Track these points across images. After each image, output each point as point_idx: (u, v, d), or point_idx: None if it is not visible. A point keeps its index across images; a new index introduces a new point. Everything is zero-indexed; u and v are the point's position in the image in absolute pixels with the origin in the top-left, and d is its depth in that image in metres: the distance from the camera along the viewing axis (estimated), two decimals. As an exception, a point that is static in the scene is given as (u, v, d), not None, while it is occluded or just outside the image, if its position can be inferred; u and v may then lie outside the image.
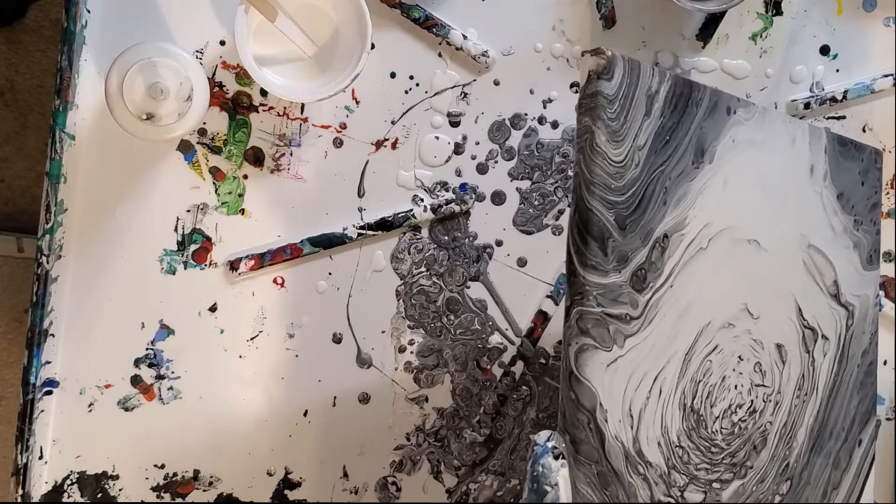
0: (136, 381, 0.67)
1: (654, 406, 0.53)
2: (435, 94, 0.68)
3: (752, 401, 0.57)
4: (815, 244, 0.60)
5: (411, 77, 0.68)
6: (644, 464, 0.53)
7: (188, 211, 0.66)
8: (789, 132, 0.58)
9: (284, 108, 0.66)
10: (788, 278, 0.58)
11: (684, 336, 0.53)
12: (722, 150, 0.54)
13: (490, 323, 0.72)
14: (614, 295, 0.51)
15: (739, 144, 0.55)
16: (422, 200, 0.69)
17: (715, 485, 0.56)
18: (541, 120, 0.70)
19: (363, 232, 0.68)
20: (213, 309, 0.67)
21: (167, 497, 0.69)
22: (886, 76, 0.74)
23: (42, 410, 0.65)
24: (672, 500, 0.54)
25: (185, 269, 0.67)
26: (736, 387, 0.56)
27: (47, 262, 0.63)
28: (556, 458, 0.50)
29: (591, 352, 0.51)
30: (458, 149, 0.69)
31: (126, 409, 0.67)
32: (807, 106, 0.73)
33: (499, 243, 0.71)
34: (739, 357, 0.56)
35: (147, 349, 0.67)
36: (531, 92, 0.70)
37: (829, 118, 0.75)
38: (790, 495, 0.59)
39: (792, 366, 0.59)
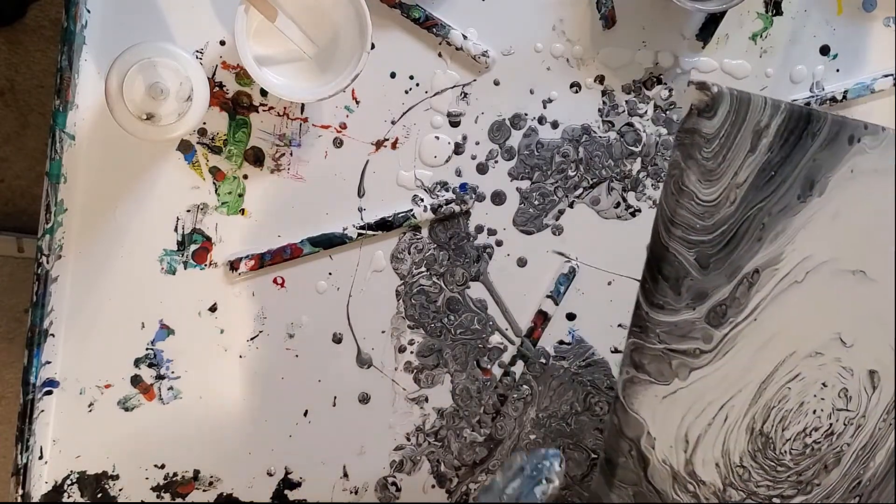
0: (136, 381, 0.67)
1: (716, 431, 0.53)
2: (435, 94, 0.68)
3: (830, 424, 0.56)
4: None
5: (411, 77, 0.68)
6: (696, 483, 0.53)
7: (188, 211, 0.66)
8: None
9: (284, 108, 0.66)
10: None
11: (762, 366, 0.53)
12: (836, 181, 0.51)
13: (490, 323, 0.72)
14: (684, 331, 0.50)
15: (859, 175, 0.52)
16: (422, 200, 0.69)
17: (775, 500, 0.56)
18: (541, 120, 0.70)
19: (363, 232, 0.68)
20: (213, 309, 0.67)
21: (167, 497, 0.69)
22: (886, 76, 0.74)
23: (42, 410, 0.65)
24: None
25: (185, 269, 0.67)
26: (815, 411, 0.56)
27: (47, 262, 0.63)
28: (559, 465, 0.50)
29: (644, 385, 0.50)
30: (458, 149, 0.69)
31: (126, 409, 0.67)
32: (807, 106, 0.73)
33: (499, 243, 0.71)
34: (823, 384, 0.55)
35: (147, 349, 0.67)
36: (531, 92, 0.70)
37: (829, 118, 0.75)
38: None
39: (883, 391, 0.58)
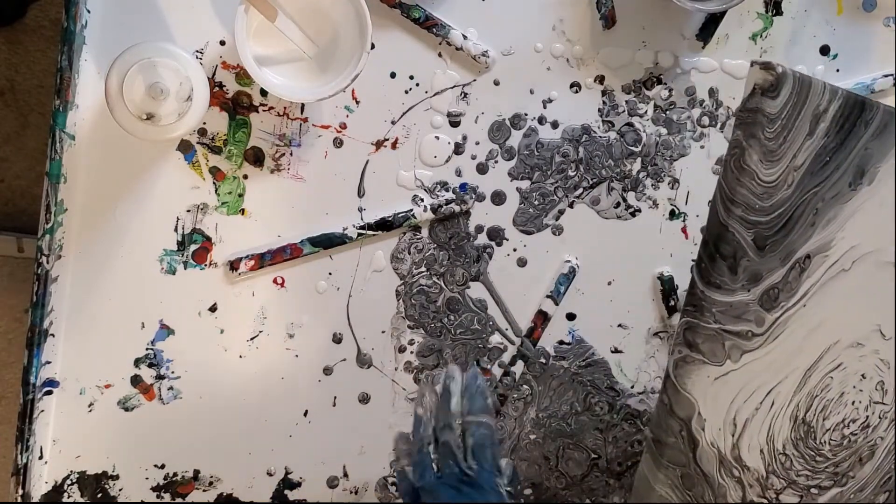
0: (136, 381, 0.67)
1: (762, 416, 0.53)
2: (435, 94, 0.68)
3: (867, 416, 0.57)
4: None
5: (411, 77, 0.68)
6: (741, 468, 0.54)
7: (188, 211, 0.66)
8: None
9: (284, 108, 0.66)
10: None
11: (808, 353, 0.53)
12: (885, 171, 0.52)
13: (490, 323, 0.72)
14: (738, 312, 0.51)
15: None
16: (422, 200, 0.69)
17: (813, 490, 0.57)
18: (541, 120, 0.70)
19: (363, 232, 0.68)
20: (213, 309, 0.67)
21: (167, 497, 0.69)
22: (886, 76, 0.74)
23: (42, 410, 0.65)
24: (766, 501, 0.55)
25: (185, 269, 0.67)
26: (853, 403, 0.56)
27: (47, 262, 0.63)
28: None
29: (697, 365, 0.51)
30: (458, 149, 0.69)
31: (126, 409, 0.67)
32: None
33: (499, 243, 0.71)
34: (863, 375, 0.56)
35: (147, 349, 0.67)
36: (531, 92, 0.70)
37: (829, 118, 0.75)
38: None
39: None
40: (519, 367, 0.73)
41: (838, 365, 0.54)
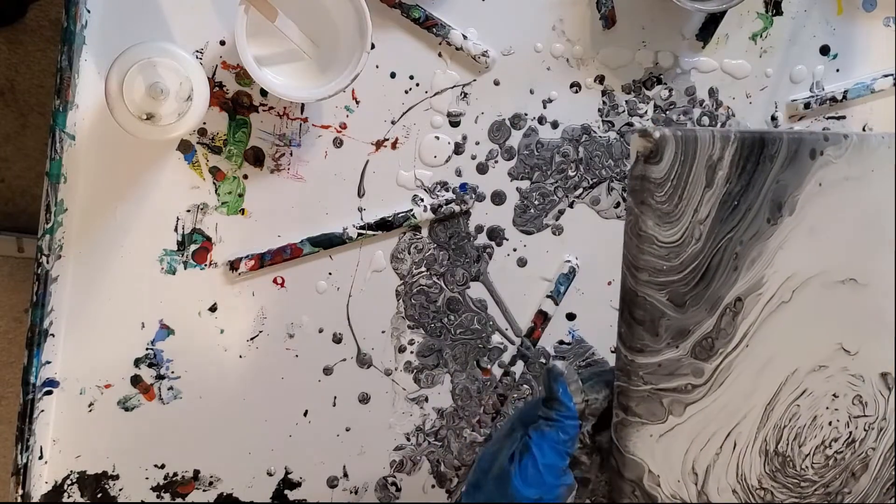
0: (136, 381, 0.67)
1: (726, 459, 0.52)
2: (435, 94, 0.68)
3: (850, 432, 0.55)
4: None
5: (411, 77, 0.68)
6: None
7: (188, 211, 0.66)
8: (893, 158, 0.54)
9: (284, 108, 0.66)
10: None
11: (764, 389, 0.52)
12: (805, 198, 0.50)
13: (490, 323, 0.72)
14: (670, 369, 0.49)
15: (829, 187, 0.51)
16: (422, 200, 0.69)
17: None
18: (541, 120, 0.70)
19: (363, 232, 0.68)
20: (213, 309, 0.67)
21: (167, 497, 0.69)
22: (886, 76, 0.74)
23: (42, 410, 0.65)
24: None
25: (185, 269, 0.67)
26: (830, 423, 0.55)
27: (47, 262, 0.63)
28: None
29: (636, 427, 0.50)
30: (458, 149, 0.69)
31: (126, 409, 0.67)
32: (807, 106, 0.73)
33: (499, 243, 0.71)
34: (834, 395, 0.54)
35: (147, 349, 0.67)
36: (531, 92, 0.70)
37: (828, 118, 0.75)
38: None
39: None
40: (519, 367, 0.73)
41: (803, 392, 0.53)
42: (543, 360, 0.73)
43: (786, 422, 0.53)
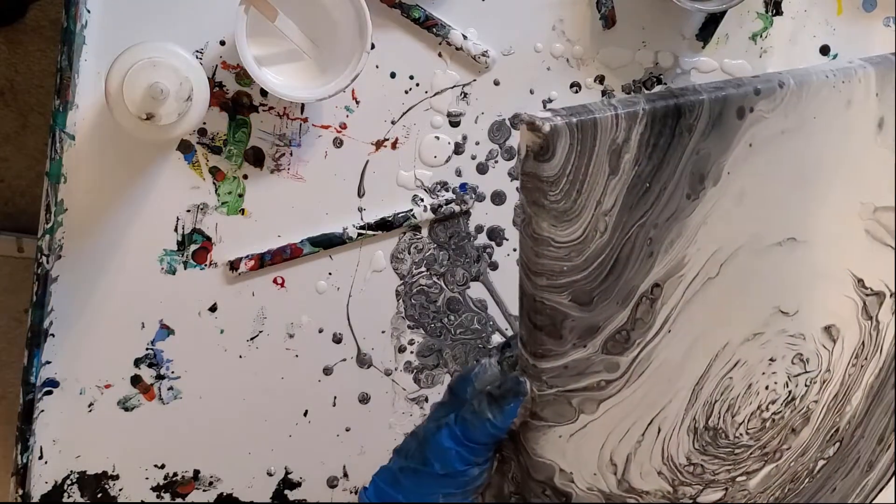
0: (136, 381, 0.67)
1: (649, 445, 0.48)
2: (435, 94, 0.68)
3: (789, 391, 0.52)
4: (884, 204, 0.51)
5: (411, 77, 0.68)
6: (637, 494, 0.50)
7: (188, 211, 0.66)
8: (842, 97, 0.48)
9: (284, 108, 0.66)
10: (840, 258, 0.51)
11: (691, 371, 0.48)
12: (733, 163, 0.45)
13: (490, 323, 0.72)
14: (578, 370, 0.45)
15: (761, 145, 0.46)
16: (422, 200, 0.69)
17: (740, 478, 0.52)
18: (541, 120, 0.70)
19: (363, 232, 0.68)
20: (213, 309, 0.67)
21: (167, 497, 0.69)
22: (886, 76, 0.74)
23: (42, 410, 0.65)
24: None
25: (185, 269, 0.67)
26: (767, 387, 0.51)
27: (47, 262, 0.63)
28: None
29: (543, 430, 0.45)
30: (458, 149, 0.69)
31: (126, 409, 0.67)
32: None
33: (499, 243, 0.71)
34: (771, 359, 0.51)
35: (147, 349, 0.67)
36: (531, 92, 0.70)
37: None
38: (838, 455, 0.56)
39: (846, 340, 0.53)
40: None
41: (735, 363, 0.49)
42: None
43: (717, 396, 0.49)
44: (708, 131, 0.43)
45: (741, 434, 0.51)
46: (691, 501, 0.51)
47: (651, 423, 0.48)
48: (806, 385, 0.52)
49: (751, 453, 0.52)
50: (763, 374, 0.51)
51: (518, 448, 0.47)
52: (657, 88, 0.71)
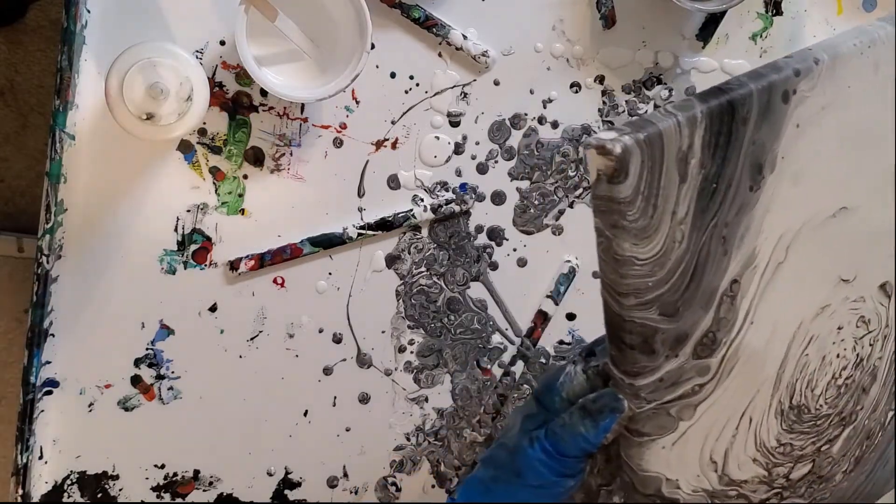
0: (136, 381, 0.67)
1: (743, 437, 0.49)
2: (435, 94, 0.68)
3: (857, 354, 0.52)
4: None
5: (411, 77, 0.68)
6: (737, 485, 0.50)
7: (188, 211, 0.66)
8: (869, 61, 0.47)
9: (284, 108, 0.66)
10: (887, 217, 0.51)
11: (774, 357, 0.48)
12: (785, 147, 0.45)
13: (490, 323, 0.72)
14: (673, 380, 0.45)
15: (807, 125, 0.45)
16: (422, 200, 0.69)
17: (824, 447, 0.53)
18: (541, 120, 0.70)
19: (363, 232, 0.68)
20: (213, 309, 0.67)
21: (167, 497, 0.69)
22: (886, 76, 0.74)
23: (42, 410, 0.65)
24: (778, 489, 0.52)
25: (185, 269, 0.67)
26: (838, 355, 0.51)
27: (47, 262, 0.63)
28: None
29: (647, 445, 0.46)
30: (458, 149, 0.69)
31: (126, 409, 0.67)
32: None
33: (499, 243, 0.71)
34: (839, 328, 0.50)
35: (147, 349, 0.67)
36: (531, 92, 0.70)
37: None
38: None
39: None
40: (519, 367, 0.73)
41: (810, 340, 0.50)
42: (544, 360, 0.73)
43: (797, 376, 0.50)
44: (760, 121, 0.43)
45: (821, 405, 0.52)
46: (785, 480, 0.52)
47: (743, 416, 0.48)
48: (870, 344, 0.52)
49: (830, 421, 0.52)
50: (833, 343, 0.51)
51: (620, 465, 0.47)
52: (657, 88, 0.71)
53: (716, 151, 0.42)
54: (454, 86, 0.69)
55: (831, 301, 0.50)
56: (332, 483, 0.71)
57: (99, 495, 0.68)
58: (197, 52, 0.64)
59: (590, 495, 0.50)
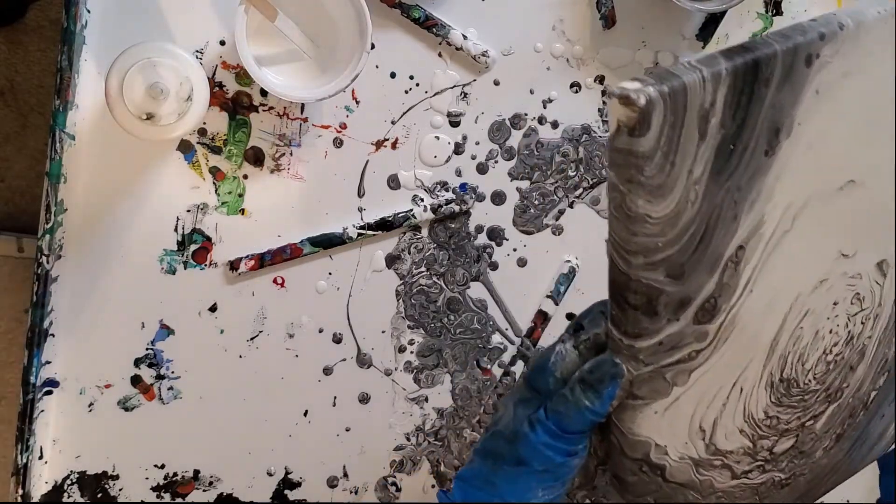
0: (136, 381, 0.67)
1: (733, 406, 0.48)
2: (435, 94, 0.68)
3: (849, 331, 0.51)
4: None
5: (411, 77, 0.68)
6: (722, 455, 0.50)
7: (188, 211, 0.66)
8: (891, 29, 0.46)
9: (284, 108, 0.66)
10: (891, 193, 0.50)
11: (769, 329, 0.47)
12: (803, 113, 0.43)
13: (490, 323, 0.72)
14: (672, 343, 0.44)
15: (825, 92, 0.44)
16: (422, 200, 0.69)
17: (808, 423, 0.52)
18: (541, 120, 0.70)
19: (363, 232, 0.68)
20: (213, 309, 0.67)
21: (167, 497, 0.69)
22: (886, 76, 0.74)
23: (42, 410, 0.65)
24: (761, 462, 0.51)
25: (185, 269, 0.67)
26: (831, 331, 0.50)
27: (47, 262, 0.63)
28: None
29: (640, 409, 0.45)
30: (458, 149, 0.69)
31: (126, 409, 0.67)
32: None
33: (499, 243, 0.71)
34: (834, 303, 0.50)
35: (147, 349, 0.67)
36: (531, 92, 0.70)
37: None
38: (886, 384, 0.55)
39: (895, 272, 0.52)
40: (519, 367, 0.73)
41: (805, 313, 0.49)
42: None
43: (789, 349, 0.49)
44: (782, 83, 0.42)
45: (809, 380, 0.51)
46: (768, 453, 0.51)
47: (734, 386, 0.47)
48: (862, 322, 0.52)
49: (817, 397, 0.52)
50: (828, 318, 0.50)
51: (609, 427, 0.47)
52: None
53: (736, 111, 0.40)
54: (454, 86, 0.69)
55: (830, 275, 0.49)
56: (332, 483, 0.71)
57: (99, 495, 0.68)
58: (197, 52, 0.64)
59: (588, 476, 0.50)
